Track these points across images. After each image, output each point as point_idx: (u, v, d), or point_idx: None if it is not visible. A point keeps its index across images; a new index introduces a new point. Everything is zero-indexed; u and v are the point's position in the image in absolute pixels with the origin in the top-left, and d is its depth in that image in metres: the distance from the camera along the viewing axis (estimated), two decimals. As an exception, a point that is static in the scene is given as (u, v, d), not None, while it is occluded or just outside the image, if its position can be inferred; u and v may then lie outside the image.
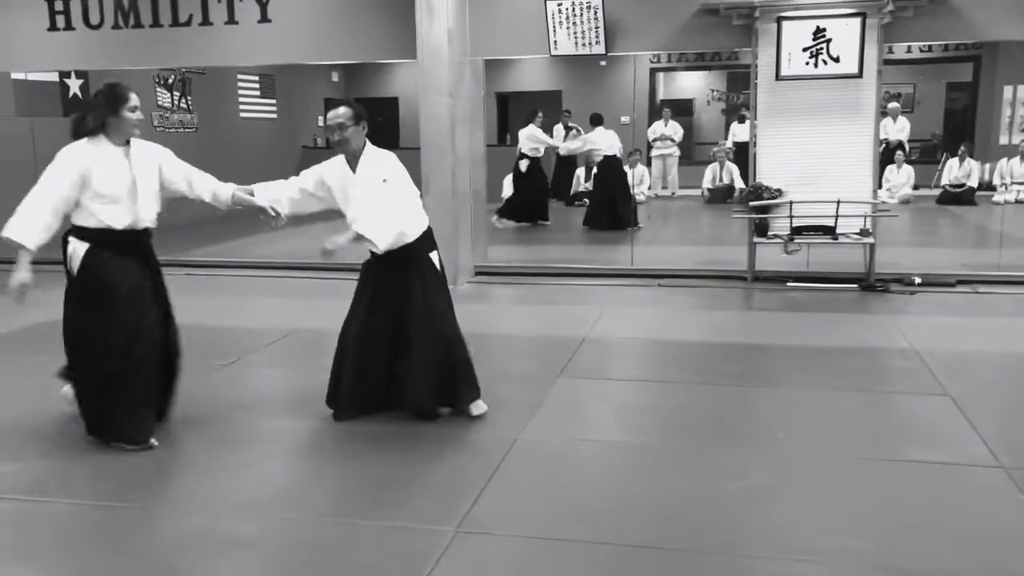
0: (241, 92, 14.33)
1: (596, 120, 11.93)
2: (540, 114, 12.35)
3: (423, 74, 7.62)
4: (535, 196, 12.20)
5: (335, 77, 17.40)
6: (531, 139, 12.02)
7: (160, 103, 12.23)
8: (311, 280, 8.01)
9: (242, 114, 14.36)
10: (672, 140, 15.10)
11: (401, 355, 4.26)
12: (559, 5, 7.53)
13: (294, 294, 7.63)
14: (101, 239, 3.94)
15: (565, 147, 13.05)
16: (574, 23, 7.57)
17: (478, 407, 4.36)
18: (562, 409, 4.58)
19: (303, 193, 4.34)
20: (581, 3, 7.50)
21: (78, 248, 3.94)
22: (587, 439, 4.18)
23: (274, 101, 15.14)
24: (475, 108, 8.15)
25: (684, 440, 4.12)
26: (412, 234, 4.20)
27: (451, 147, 7.66)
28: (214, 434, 4.24)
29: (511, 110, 17.78)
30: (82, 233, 3.95)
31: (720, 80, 17.68)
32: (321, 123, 17.14)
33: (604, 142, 11.68)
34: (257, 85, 14.67)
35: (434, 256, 4.33)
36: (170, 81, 12.42)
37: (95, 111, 3.93)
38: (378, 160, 4.21)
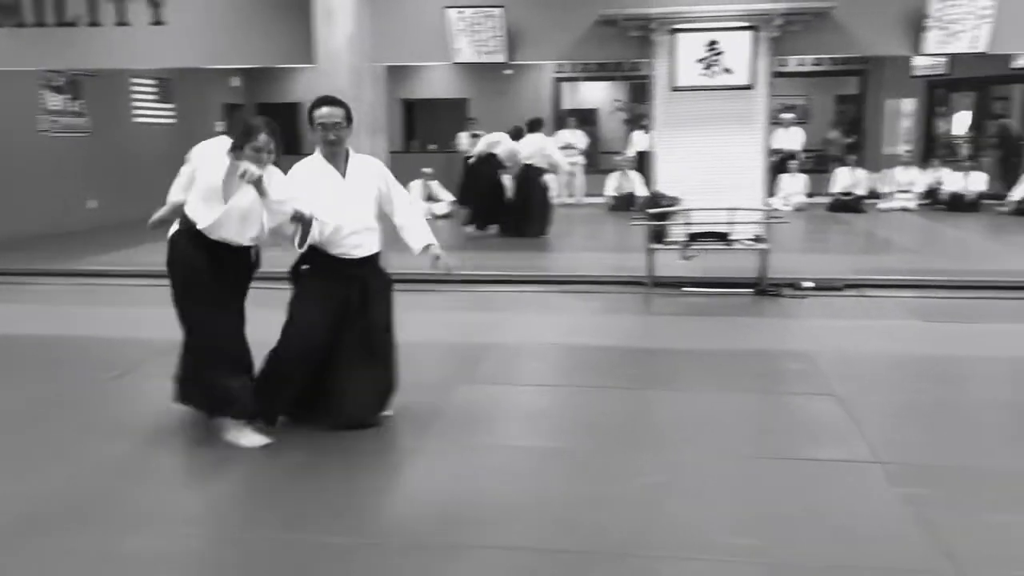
0: (136, 96, 13.88)
1: (534, 126, 11.83)
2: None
3: (322, 80, 7.53)
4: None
5: (235, 82, 17.01)
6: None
7: (49, 107, 11.74)
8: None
9: (138, 118, 13.91)
10: (577, 148, 15.31)
11: (343, 366, 4.16)
12: (460, 12, 7.56)
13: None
14: None
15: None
16: (476, 30, 7.61)
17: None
18: (464, 416, 4.57)
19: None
20: (482, 11, 7.55)
21: None
22: (488, 445, 4.18)
23: (172, 106, 14.71)
24: (377, 114, 8.10)
25: (586, 443, 4.17)
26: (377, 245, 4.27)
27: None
28: (104, 450, 4.09)
29: (417, 117, 17.75)
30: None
31: (623, 90, 18.02)
32: (220, 128, 16.76)
33: (526, 149, 11.73)
34: (154, 89, 14.23)
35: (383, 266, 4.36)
36: (59, 84, 11.92)
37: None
38: (372, 165, 4.26)
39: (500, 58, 7.71)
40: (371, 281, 4.22)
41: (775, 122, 14.64)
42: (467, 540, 3.20)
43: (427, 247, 4.23)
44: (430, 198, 13.75)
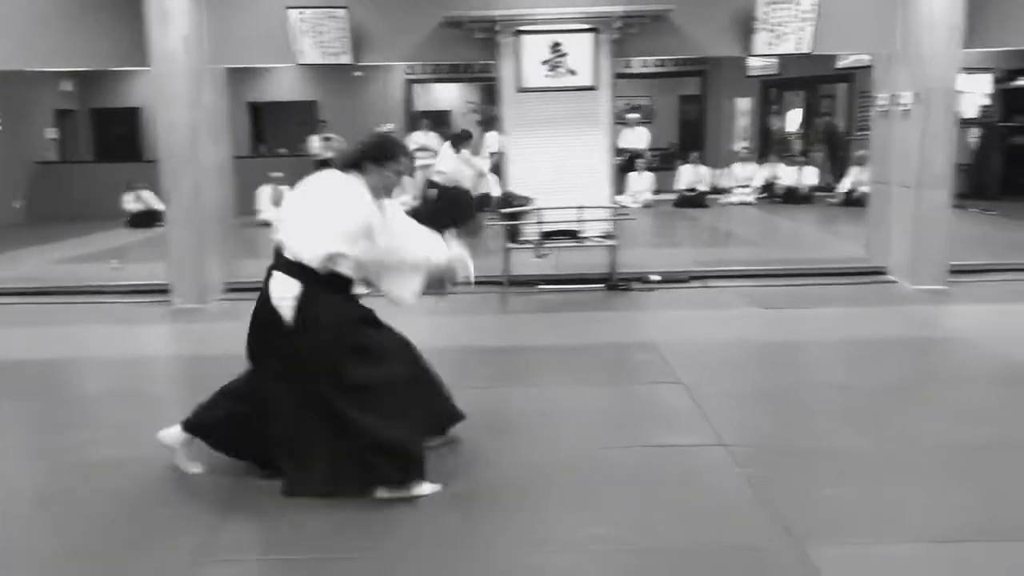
0: (-48, 100, 12.89)
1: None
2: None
3: (159, 83, 7.21)
4: None
5: (67, 86, 16.05)
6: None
7: None
8: (37, 305, 7.36)
9: (-46, 124, 12.91)
10: (431, 151, 15.26)
11: None
12: (301, 13, 7.39)
13: (18, 322, 6.97)
14: None
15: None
16: (319, 32, 7.46)
17: None
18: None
19: None
20: (325, 12, 7.41)
21: None
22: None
23: (-5, 111, 13.74)
24: (218, 118, 7.81)
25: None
26: None
27: (193, 158, 7.29)
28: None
29: (264, 120, 17.25)
30: None
31: (476, 92, 18.13)
32: (53, 136, 15.77)
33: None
34: (-28, 93, 13.24)
35: None
36: None
37: None
38: None
39: (345, 60, 7.58)
40: None
41: (621, 122, 15.14)
42: (304, 553, 3.13)
43: None
44: (280, 204, 13.36)
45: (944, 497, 3.48)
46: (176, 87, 7.19)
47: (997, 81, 14.01)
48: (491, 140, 15.35)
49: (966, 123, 13.10)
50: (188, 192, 7.32)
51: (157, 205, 11.66)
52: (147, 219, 12.90)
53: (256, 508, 3.50)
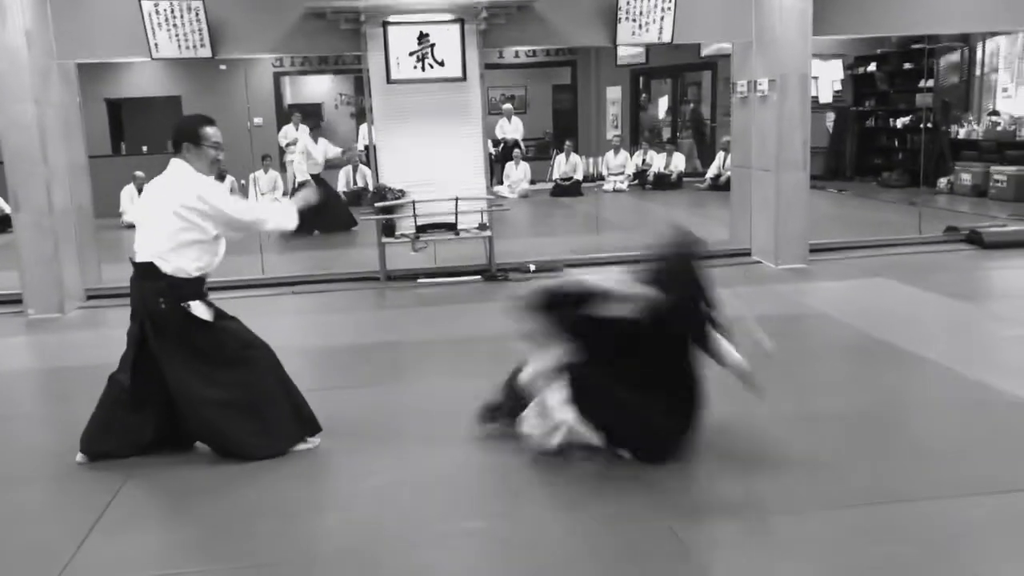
0: None
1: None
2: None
3: (2, 80, 6.76)
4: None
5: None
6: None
7: None
8: None
9: None
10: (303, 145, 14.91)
11: None
12: (156, 5, 7.07)
13: None
14: None
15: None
16: (175, 24, 7.15)
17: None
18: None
19: None
20: (181, 3, 7.11)
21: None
22: (211, 462, 3.95)
23: None
24: (70, 115, 7.40)
25: (320, 447, 4.07)
26: None
27: (43, 159, 6.89)
28: None
29: (125, 117, 16.46)
30: None
31: (347, 84, 17.80)
32: None
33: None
34: None
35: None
36: None
37: None
38: None
39: (204, 53, 7.30)
40: None
41: (496, 112, 15.20)
42: (186, 565, 3.02)
43: None
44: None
45: (803, 468, 3.64)
46: (19, 84, 6.77)
47: (848, 68, 14.78)
48: (365, 132, 15.15)
49: (821, 108, 13.77)
50: (38, 194, 6.92)
51: (7, 208, 10.99)
52: (-3, 224, 12.15)
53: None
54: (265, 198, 12.16)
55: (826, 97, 14.68)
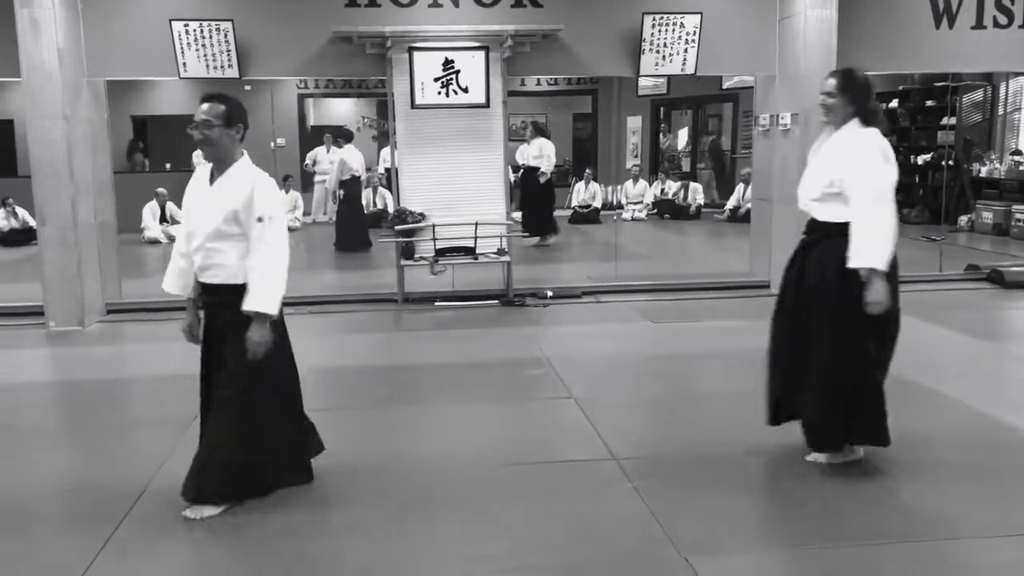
0: None
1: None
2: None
3: (30, 95, 6.87)
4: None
5: (-69, 96, 15.12)
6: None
7: None
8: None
9: None
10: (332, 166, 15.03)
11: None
12: (186, 26, 7.18)
13: None
14: None
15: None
16: (203, 45, 7.26)
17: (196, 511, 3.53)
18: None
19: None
20: (210, 24, 7.22)
21: None
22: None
23: None
24: (97, 132, 7.50)
25: (331, 469, 4.04)
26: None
27: (69, 174, 6.97)
28: None
29: (150, 134, 16.66)
30: None
31: (370, 107, 17.97)
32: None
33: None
34: None
35: None
36: None
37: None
38: (252, 183, 3.47)
39: (231, 74, 7.40)
40: (224, 319, 3.55)
41: (518, 139, 15.27)
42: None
43: (252, 313, 3.47)
44: (165, 219, 12.97)
45: (819, 502, 3.61)
46: (49, 100, 6.86)
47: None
48: (387, 156, 15.27)
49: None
50: (64, 209, 7.00)
51: (33, 222, 11.14)
52: (22, 237, 12.31)
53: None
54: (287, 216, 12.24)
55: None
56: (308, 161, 14.94)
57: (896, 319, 3.79)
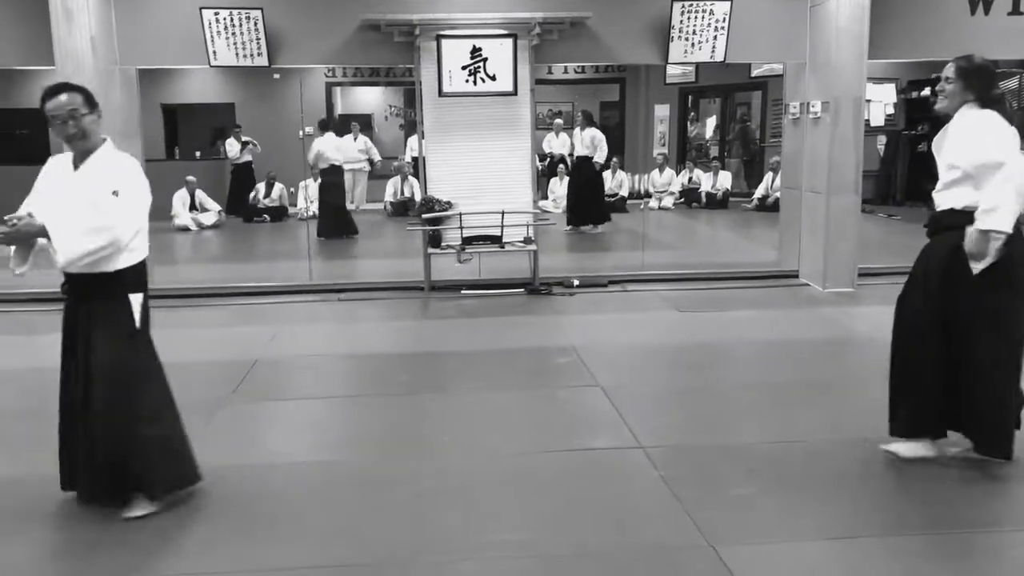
0: None
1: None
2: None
3: (65, 83, 6.95)
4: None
5: (-35, 85, 15.33)
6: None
7: None
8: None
9: None
10: (369, 159, 15.13)
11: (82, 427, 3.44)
12: (216, 14, 7.23)
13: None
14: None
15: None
16: (233, 33, 7.30)
17: (141, 507, 3.44)
18: (232, 435, 4.38)
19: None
20: (240, 12, 7.26)
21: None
22: (256, 464, 4.01)
23: None
24: (129, 120, 7.58)
25: (359, 454, 4.11)
26: (115, 263, 3.31)
27: (102, 162, 7.04)
28: None
29: (180, 122, 16.82)
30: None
31: (397, 96, 18.01)
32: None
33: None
34: None
35: (136, 301, 3.41)
36: None
37: None
38: (113, 163, 3.35)
39: (261, 62, 7.44)
40: (96, 312, 3.38)
41: (545, 127, 15.25)
42: (248, 564, 3.06)
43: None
44: (195, 207, 13.10)
45: (846, 494, 3.59)
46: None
47: (901, 91, 14.58)
48: (414, 144, 15.30)
49: (872, 131, 13.58)
50: (96, 196, 7.07)
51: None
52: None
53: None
54: (314, 206, 12.34)
55: (878, 120, 14.48)
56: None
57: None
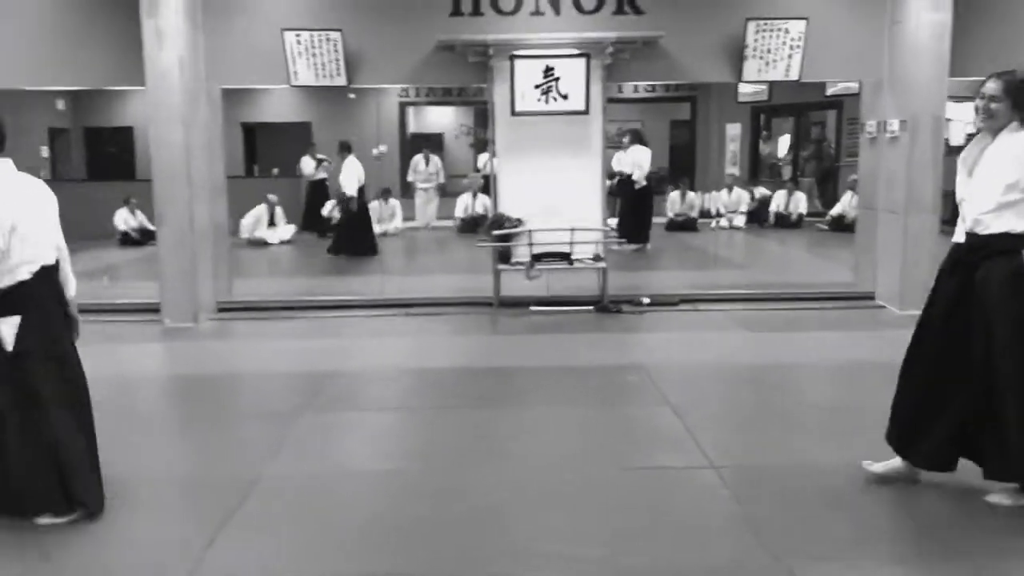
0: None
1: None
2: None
3: (153, 102, 7.26)
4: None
5: (60, 105, 16.07)
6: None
7: None
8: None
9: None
10: (437, 178, 15.44)
11: None
12: (297, 36, 7.46)
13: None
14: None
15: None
16: (314, 54, 7.53)
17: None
18: (307, 443, 4.49)
19: None
20: (320, 34, 7.48)
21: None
22: (330, 471, 4.10)
23: (-14, 130, 13.72)
24: (213, 137, 7.85)
25: (430, 465, 4.17)
26: None
27: (187, 178, 7.32)
28: None
29: (259, 141, 17.32)
30: None
31: (468, 115, 18.26)
32: (46, 154, 15.81)
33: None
34: (-36, 111, 13.23)
35: (8, 324, 3.37)
36: None
37: None
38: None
39: (339, 82, 7.65)
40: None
41: (614, 146, 15.24)
42: (310, 571, 3.14)
43: None
44: (273, 224, 13.45)
45: (919, 518, 3.51)
46: (171, 106, 7.23)
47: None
48: (484, 162, 15.49)
49: (951, 151, 13.23)
50: (181, 212, 7.35)
51: (149, 224, 11.74)
52: (141, 237, 12.96)
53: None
54: (380, 226, 12.60)
55: (957, 140, 14.10)
56: (411, 173, 15.38)
57: None
